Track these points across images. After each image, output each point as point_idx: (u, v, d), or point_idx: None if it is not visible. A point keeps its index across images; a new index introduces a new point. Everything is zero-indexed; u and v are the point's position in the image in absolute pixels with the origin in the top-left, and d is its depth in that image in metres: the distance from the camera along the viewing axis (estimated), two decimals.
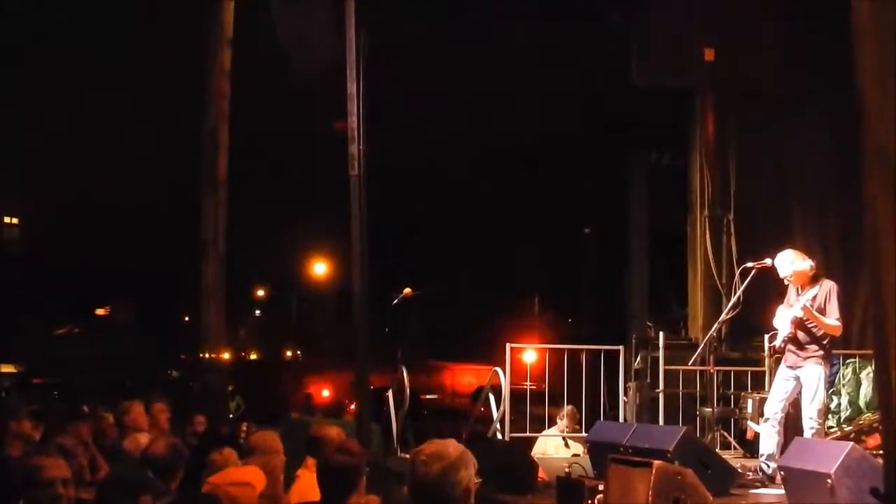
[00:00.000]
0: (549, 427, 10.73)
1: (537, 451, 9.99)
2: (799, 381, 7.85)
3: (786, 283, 8.10)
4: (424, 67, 14.31)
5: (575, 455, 9.15)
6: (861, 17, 3.64)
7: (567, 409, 10.51)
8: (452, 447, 3.88)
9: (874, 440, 9.55)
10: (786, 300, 8.13)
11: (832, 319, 7.78)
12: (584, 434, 9.95)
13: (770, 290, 8.71)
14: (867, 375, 10.40)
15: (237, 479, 4.56)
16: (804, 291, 7.87)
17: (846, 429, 9.93)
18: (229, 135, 11.70)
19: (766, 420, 7.99)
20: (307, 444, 6.14)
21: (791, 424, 8.28)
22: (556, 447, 10.29)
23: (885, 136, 3.54)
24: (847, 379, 10.40)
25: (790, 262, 8.00)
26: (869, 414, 10.16)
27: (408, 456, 9.93)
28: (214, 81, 11.71)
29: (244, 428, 10.06)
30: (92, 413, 8.44)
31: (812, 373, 7.77)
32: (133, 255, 26.23)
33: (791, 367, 7.92)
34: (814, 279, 7.94)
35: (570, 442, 10.21)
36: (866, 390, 10.36)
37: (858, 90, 3.63)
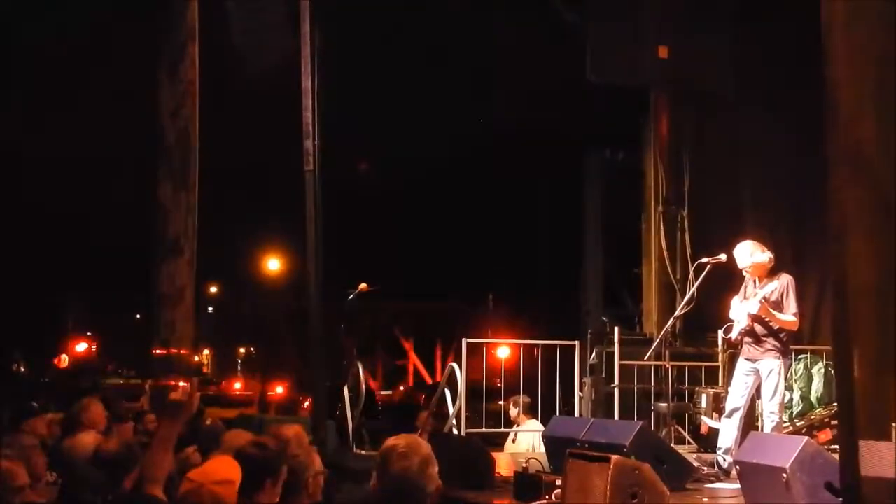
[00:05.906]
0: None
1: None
2: (758, 374, 7.87)
3: (744, 274, 8.10)
4: (375, 63, 14.22)
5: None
6: (833, 5, 3.50)
7: (517, 399, 10.47)
8: (424, 442, 3.80)
9: (825, 435, 9.66)
10: (741, 291, 8.11)
11: (789, 315, 7.79)
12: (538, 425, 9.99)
13: (724, 285, 8.71)
14: (818, 371, 10.50)
15: (220, 477, 4.42)
16: (762, 284, 7.89)
17: (798, 424, 10.02)
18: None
19: (729, 415, 7.97)
20: None
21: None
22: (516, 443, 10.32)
23: (860, 131, 3.37)
24: (799, 374, 10.48)
25: (749, 254, 7.96)
26: (820, 409, 10.26)
27: (363, 453, 9.89)
28: (184, 77, 11.42)
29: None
30: (43, 409, 8.27)
31: (771, 367, 7.79)
32: (82, 255, 25.70)
33: (749, 360, 7.93)
34: (772, 272, 7.95)
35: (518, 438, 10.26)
36: (818, 386, 10.46)
37: (830, 82, 3.46)
